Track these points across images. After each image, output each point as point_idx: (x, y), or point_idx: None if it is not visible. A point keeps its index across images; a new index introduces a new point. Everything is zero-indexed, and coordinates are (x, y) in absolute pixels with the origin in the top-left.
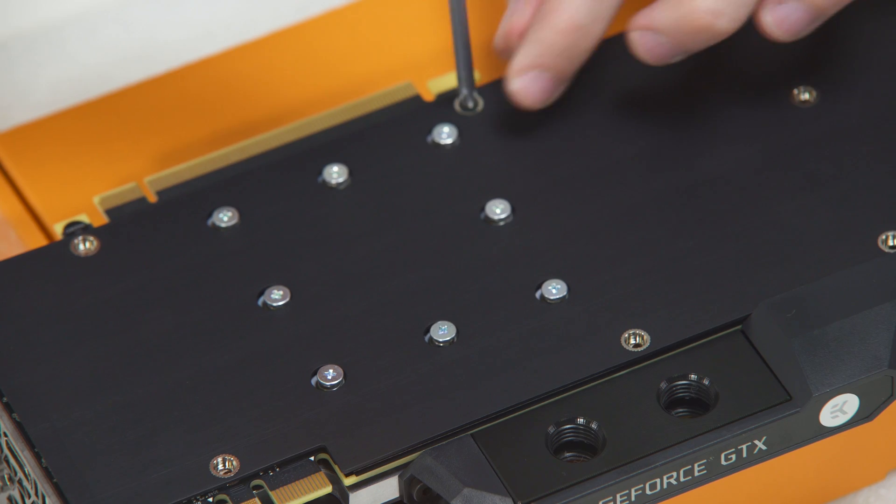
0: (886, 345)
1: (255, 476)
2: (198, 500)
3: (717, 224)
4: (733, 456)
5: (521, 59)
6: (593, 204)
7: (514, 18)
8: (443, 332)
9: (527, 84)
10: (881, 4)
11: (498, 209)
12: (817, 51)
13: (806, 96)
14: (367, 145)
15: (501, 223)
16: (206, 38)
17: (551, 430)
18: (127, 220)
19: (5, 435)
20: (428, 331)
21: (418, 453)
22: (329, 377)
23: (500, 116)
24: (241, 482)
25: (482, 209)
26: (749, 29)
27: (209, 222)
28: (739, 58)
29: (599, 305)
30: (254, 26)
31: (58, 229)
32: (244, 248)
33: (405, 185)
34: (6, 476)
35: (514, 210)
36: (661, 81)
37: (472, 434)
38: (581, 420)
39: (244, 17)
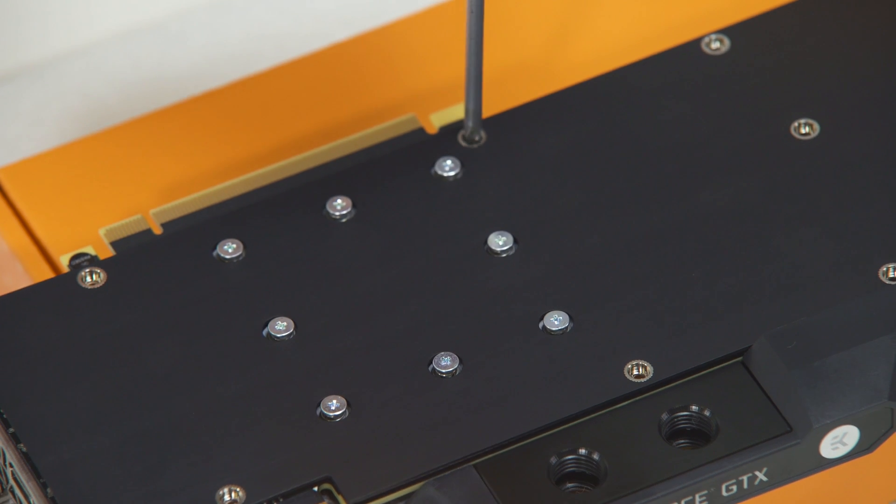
0: (886, 377)
1: None
2: None
3: (719, 256)
4: (734, 487)
5: None
6: (595, 235)
7: None
8: (446, 363)
9: None
10: (883, 37)
11: (500, 241)
12: (818, 83)
13: (806, 130)
14: (371, 178)
15: (504, 255)
16: (212, 71)
17: (553, 460)
18: (133, 252)
19: (10, 465)
20: (431, 362)
21: (421, 483)
22: (333, 408)
23: (502, 149)
24: None
25: (485, 241)
26: (749, 62)
27: (214, 254)
28: (740, 90)
29: (602, 336)
30: (259, 60)
31: (64, 261)
32: (249, 279)
33: (409, 217)
34: None
35: (516, 242)
36: (663, 115)
37: (474, 464)
38: (583, 451)
39: (249, 51)
